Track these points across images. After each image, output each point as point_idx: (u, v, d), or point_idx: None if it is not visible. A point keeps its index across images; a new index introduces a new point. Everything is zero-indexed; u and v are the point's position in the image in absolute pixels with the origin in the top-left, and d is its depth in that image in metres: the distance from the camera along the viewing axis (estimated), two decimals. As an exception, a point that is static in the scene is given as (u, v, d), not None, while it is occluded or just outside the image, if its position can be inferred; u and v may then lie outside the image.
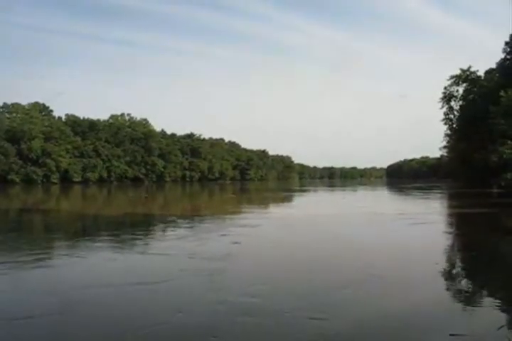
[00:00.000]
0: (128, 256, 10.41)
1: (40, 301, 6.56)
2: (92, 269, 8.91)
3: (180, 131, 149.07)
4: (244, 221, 17.87)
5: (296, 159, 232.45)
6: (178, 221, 18.40)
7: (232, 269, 8.62)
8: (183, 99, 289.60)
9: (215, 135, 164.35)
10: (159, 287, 7.22)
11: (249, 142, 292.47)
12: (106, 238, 13.71)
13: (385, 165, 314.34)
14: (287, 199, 40.62)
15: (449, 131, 71.47)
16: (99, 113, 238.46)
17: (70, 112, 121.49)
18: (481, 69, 66.68)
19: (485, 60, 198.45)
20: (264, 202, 34.80)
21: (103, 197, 48.66)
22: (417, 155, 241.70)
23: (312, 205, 31.81)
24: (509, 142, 44.05)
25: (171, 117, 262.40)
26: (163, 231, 15.68)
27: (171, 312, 5.86)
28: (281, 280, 7.82)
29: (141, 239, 13.42)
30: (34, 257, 9.92)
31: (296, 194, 49.67)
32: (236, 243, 11.57)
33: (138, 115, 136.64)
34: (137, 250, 11.33)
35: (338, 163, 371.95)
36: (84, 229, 16.78)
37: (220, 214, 22.86)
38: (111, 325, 5.54)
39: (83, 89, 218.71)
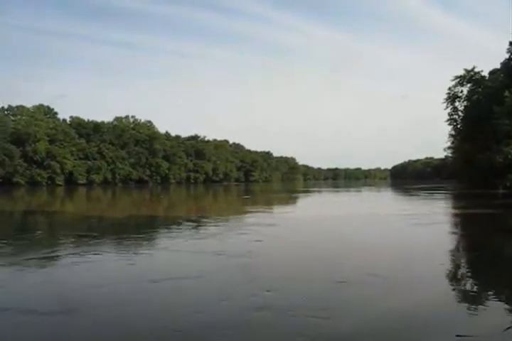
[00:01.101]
0: (160, 254, 10.77)
1: (97, 293, 7.05)
2: (128, 265, 9.27)
3: (184, 133, 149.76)
4: (262, 220, 18.42)
5: (300, 160, 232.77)
6: (201, 221, 18.85)
7: (257, 266, 9.13)
8: (184, 100, 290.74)
9: (217, 136, 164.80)
10: (194, 282, 7.65)
11: (251, 143, 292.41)
12: (132, 236, 14.28)
13: (389, 166, 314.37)
14: (297, 200, 41.20)
15: (453, 132, 71.34)
16: (101, 115, 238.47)
17: (71, 114, 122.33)
18: (482, 69, 66.62)
19: (486, 61, 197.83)
20: (276, 203, 35.60)
21: (114, 198, 48.68)
22: (421, 156, 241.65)
23: (322, 206, 31.95)
24: (514, 142, 43.91)
25: (172, 118, 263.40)
26: (188, 230, 15.82)
27: (199, 306, 6.25)
28: (296, 277, 8.03)
29: (168, 237, 13.81)
30: (79, 254, 10.52)
31: (304, 195, 50.01)
32: (258, 241, 12.22)
33: (140, 116, 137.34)
34: (167, 248, 11.54)
35: (342, 164, 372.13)
36: (107, 229, 17.00)
37: (238, 214, 23.39)
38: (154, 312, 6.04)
39: (84, 91, 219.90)
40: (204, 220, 19.01)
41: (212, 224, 17.13)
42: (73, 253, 10.57)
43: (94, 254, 10.34)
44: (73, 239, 13.59)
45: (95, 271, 8.66)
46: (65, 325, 5.50)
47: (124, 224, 18.62)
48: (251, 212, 23.93)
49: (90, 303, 6.41)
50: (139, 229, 16.79)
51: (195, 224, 17.63)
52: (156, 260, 10.00)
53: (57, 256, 10.44)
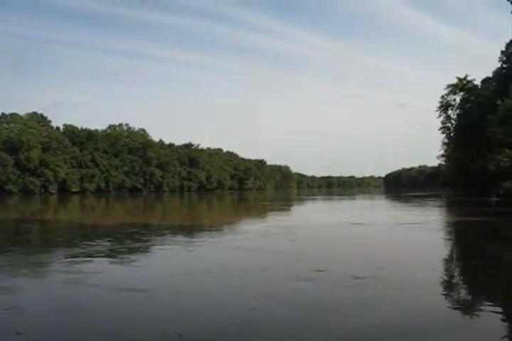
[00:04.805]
0: (217, 251, 12.34)
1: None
2: (196, 260, 10.81)
3: (178, 141, 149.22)
4: (288, 223, 20.86)
5: (294, 168, 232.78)
6: (237, 225, 20.86)
7: (297, 259, 10.99)
8: (181, 108, 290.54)
9: (210, 144, 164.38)
10: (248, 274, 9.01)
11: (246, 151, 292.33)
12: (192, 237, 15.95)
13: (382, 174, 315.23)
14: (306, 207, 43.91)
15: (446, 140, 71.80)
16: (95, 123, 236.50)
17: (68, 122, 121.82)
18: (477, 78, 67.12)
19: (482, 69, 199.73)
20: (293, 209, 39.20)
21: (129, 206, 47.36)
22: (415, 164, 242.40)
23: (329, 213, 33.29)
24: (507, 150, 44.15)
25: (167, 126, 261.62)
26: (231, 232, 18.04)
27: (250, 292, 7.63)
28: (328, 269, 9.16)
29: (218, 238, 15.56)
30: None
31: (306, 203, 51.84)
32: (293, 240, 14.39)
33: (135, 125, 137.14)
34: (220, 246, 13.16)
35: (335, 171, 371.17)
36: (153, 233, 18.21)
37: (265, 218, 26.42)
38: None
39: (80, 100, 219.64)
40: (239, 225, 21.17)
41: (248, 227, 19.49)
42: (148, 250, 12.88)
43: (164, 250, 12.52)
44: (145, 239, 15.44)
45: (179, 263, 10.54)
46: (174, 300, 7.03)
47: (170, 229, 19.25)
48: (281, 216, 27.94)
49: (185, 286, 7.96)
50: (189, 233, 17.98)
51: (234, 227, 19.77)
52: (218, 255, 11.59)
53: (145, 247, 13.06)
